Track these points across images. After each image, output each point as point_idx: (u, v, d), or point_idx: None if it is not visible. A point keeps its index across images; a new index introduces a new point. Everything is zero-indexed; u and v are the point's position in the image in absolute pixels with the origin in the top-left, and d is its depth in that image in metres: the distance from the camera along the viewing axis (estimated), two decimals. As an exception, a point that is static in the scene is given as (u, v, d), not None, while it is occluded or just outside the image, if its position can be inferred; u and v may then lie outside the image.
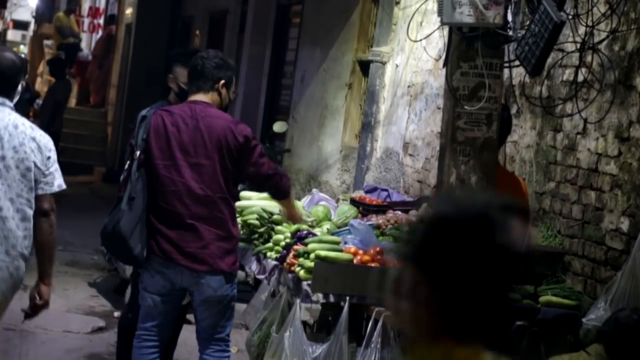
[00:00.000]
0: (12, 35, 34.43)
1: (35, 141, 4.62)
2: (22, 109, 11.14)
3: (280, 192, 5.44)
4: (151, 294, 5.21)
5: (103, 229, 5.25)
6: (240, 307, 8.33)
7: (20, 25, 35.12)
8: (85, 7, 26.78)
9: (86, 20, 25.85)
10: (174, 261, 5.08)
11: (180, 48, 15.35)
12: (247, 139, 5.14)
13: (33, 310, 4.93)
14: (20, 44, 33.26)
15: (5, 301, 4.80)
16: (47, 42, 24.56)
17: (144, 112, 5.36)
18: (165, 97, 6.02)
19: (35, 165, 4.59)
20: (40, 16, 28.69)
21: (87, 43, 25.98)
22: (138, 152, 5.16)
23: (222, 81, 5.21)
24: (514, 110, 6.79)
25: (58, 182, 4.68)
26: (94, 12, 25.86)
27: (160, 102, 5.90)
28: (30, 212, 4.60)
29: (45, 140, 4.67)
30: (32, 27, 31.89)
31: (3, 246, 4.55)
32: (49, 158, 4.65)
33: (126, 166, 5.25)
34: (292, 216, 5.79)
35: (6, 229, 4.54)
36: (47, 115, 16.08)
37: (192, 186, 5.06)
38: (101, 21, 24.54)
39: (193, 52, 5.65)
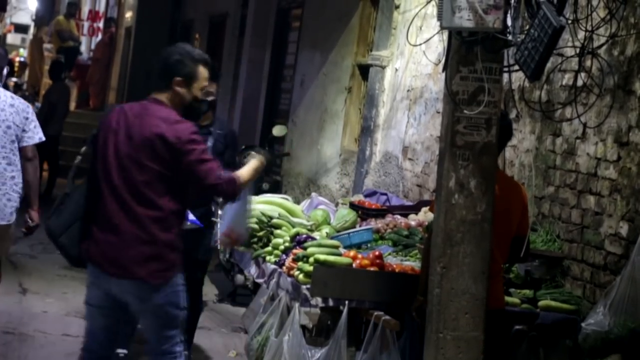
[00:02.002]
0: (12, 38, 34.43)
1: (14, 107, 6.27)
2: None
3: (228, 198, 5.01)
4: (91, 306, 4.77)
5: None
6: (239, 310, 8.34)
7: (20, 28, 35.14)
8: (85, 10, 26.80)
9: (86, 24, 25.88)
10: (100, 267, 4.67)
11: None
12: (180, 141, 4.58)
13: (29, 230, 6.43)
14: (20, 47, 33.27)
15: (7, 227, 6.31)
16: (46, 45, 24.56)
17: None
18: None
19: (15, 124, 6.25)
20: (40, 20, 28.70)
21: (87, 46, 25.99)
22: (84, 147, 5.00)
23: (178, 78, 4.72)
24: (513, 115, 6.79)
25: (38, 135, 6.37)
26: (93, 15, 25.88)
27: None
28: (15, 159, 6.26)
29: (24, 105, 6.34)
30: (31, 30, 31.90)
31: None
32: (27, 118, 6.33)
33: None
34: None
35: None
36: (41, 117, 16.13)
37: (118, 188, 4.63)
38: (101, 24, 24.55)
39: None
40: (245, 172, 4.92)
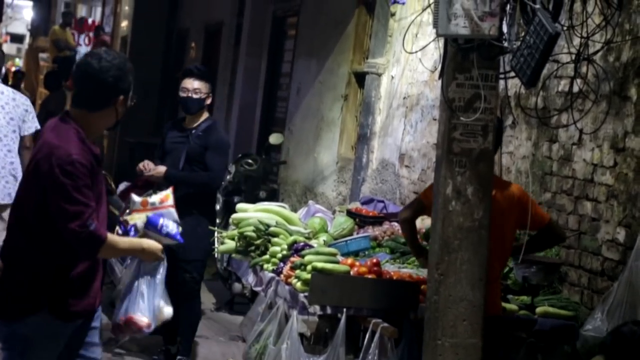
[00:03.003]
0: (8, 48, 34.43)
1: (15, 100, 7.19)
2: None
3: (83, 251, 4.09)
4: None
5: None
6: (237, 319, 8.33)
7: (16, 38, 35.14)
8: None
9: (82, 34, 25.86)
10: None
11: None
12: (51, 169, 3.95)
13: None
14: (16, 57, 33.26)
15: (5, 206, 6.91)
16: (42, 55, 24.56)
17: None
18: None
19: (17, 116, 7.13)
20: (36, 29, 28.70)
21: (83, 56, 25.94)
22: None
23: (122, 97, 4.19)
24: (509, 122, 6.80)
25: (35, 125, 7.26)
26: (88, 25, 25.85)
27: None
28: (15, 147, 7.14)
29: (23, 99, 7.26)
30: (27, 40, 31.90)
31: None
32: (26, 111, 7.23)
33: None
34: (148, 259, 4.49)
35: None
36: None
37: (11, 212, 4.21)
38: (91, 34, 24.55)
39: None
40: (122, 241, 4.31)
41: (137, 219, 4.59)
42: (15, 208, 4.19)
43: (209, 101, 6.98)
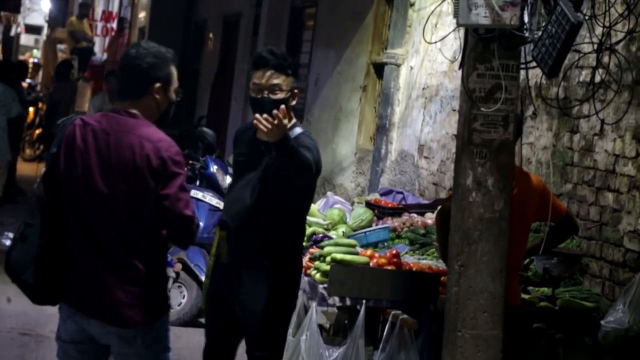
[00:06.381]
0: (25, 39, 34.53)
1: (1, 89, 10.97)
2: (21, 108, 12.39)
3: (188, 241, 4.19)
4: (64, 342, 4.18)
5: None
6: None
7: (33, 29, 35.24)
8: (98, 11, 26.85)
9: (99, 24, 25.93)
10: (76, 308, 4.09)
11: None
12: (165, 162, 3.97)
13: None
14: (34, 49, 33.37)
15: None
16: (60, 46, 24.62)
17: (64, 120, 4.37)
18: None
19: (5, 102, 10.90)
20: (54, 20, 28.76)
21: (100, 47, 26.04)
22: (43, 169, 4.23)
23: (158, 84, 4.09)
24: (530, 112, 6.76)
25: (16, 110, 11.29)
26: (107, 16, 25.93)
27: None
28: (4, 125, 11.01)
29: (8, 90, 10.91)
30: (45, 31, 31.98)
31: None
32: (14, 100, 11.13)
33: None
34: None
35: None
36: (46, 116, 16.34)
37: (91, 218, 4.02)
38: (114, 25, 24.59)
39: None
40: None
41: None
42: (102, 214, 4.02)
43: (293, 102, 4.85)
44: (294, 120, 4.86)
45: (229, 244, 4.83)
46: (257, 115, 4.33)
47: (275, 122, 4.29)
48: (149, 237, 4.04)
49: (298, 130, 4.83)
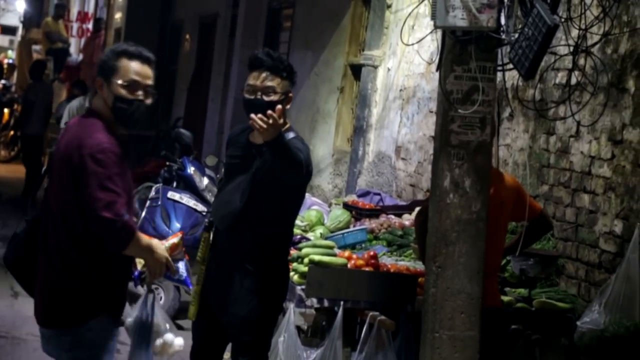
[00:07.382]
0: (0, 40, 34.31)
1: None
2: None
3: (116, 245, 3.97)
4: None
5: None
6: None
7: (8, 30, 35.01)
8: (74, 12, 26.72)
9: (75, 25, 25.80)
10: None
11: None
12: (83, 160, 3.89)
13: None
14: (8, 49, 33.15)
15: None
16: (35, 47, 24.47)
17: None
18: None
19: None
20: (29, 21, 28.59)
21: (76, 48, 25.92)
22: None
23: (99, 79, 4.07)
24: (506, 114, 6.78)
25: None
26: (82, 16, 25.81)
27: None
28: None
29: None
30: (20, 32, 31.78)
31: None
32: None
33: None
34: (153, 268, 4.18)
35: None
36: (20, 116, 16.22)
37: (46, 213, 4.07)
38: (90, 25, 24.49)
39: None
40: (143, 238, 4.09)
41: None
42: (52, 212, 4.04)
43: (288, 106, 4.76)
44: (287, 124, 4.77)
45: (217, 246, 4.79)
46: (253, 115, 4.30)
47: (270, 121, 4.25)
48: (73, 240, 3.98)
49: (291, 134, 4.74)
